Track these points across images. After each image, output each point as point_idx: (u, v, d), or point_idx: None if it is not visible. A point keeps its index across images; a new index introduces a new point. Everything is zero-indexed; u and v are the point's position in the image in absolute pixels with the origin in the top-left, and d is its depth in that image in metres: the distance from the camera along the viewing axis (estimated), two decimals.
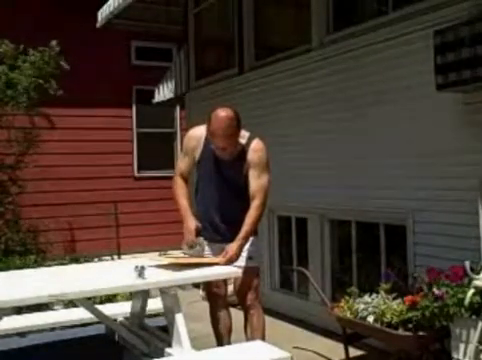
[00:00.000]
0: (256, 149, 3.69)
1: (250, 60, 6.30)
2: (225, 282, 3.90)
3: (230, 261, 3.53)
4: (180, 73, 7.68)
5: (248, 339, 3.67)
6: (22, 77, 7.00)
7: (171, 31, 8.34)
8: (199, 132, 3.80)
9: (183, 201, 3.77)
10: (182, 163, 3.87)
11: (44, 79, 7.12)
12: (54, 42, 7.15)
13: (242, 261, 3.65)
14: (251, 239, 3.71)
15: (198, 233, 3.68)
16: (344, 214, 5.07)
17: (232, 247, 3.56)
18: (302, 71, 5.39)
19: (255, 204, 3.64)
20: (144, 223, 9.28)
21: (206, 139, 3.73)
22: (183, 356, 3.08)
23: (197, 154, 3.78)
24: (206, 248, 3.78)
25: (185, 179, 3.85)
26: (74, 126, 8.94)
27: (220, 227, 3.74)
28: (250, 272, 3.65)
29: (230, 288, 4.00)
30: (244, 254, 3.68)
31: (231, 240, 3.62)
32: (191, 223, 3.68)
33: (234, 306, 4.02)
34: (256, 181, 3.66)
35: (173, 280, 3.25)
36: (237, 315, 3.90)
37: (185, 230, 3.70)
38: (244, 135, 3.73)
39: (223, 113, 3.60)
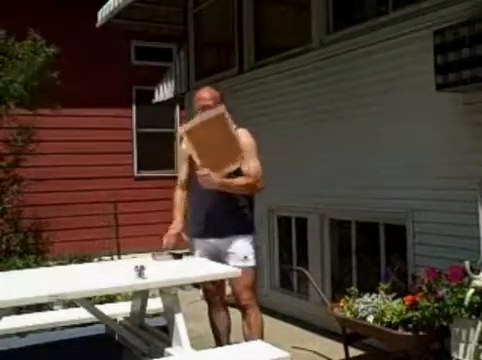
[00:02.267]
0: (246, 134, 3.82)
1: (250, 60, 6.30)
2: (223, 282, 3.91)
3: (203, 177, 3.58)
4: (180, 73, 7.68)
5: (246, 339, 3.68)
6: (18, 74, 6.97)
7: (171, 31, 8.33)
8: None
9: (176, 214, 3.93)
10: (181, 172, 4.02)
11: (38, 72, 7.07)
12: (32, 31, 7.08)
13: (237, 261, 3.67)
14: (246, 239, 3.75)
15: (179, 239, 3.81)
16: (344, 214, 5.07)
17: (214, 175, 3.59)
18: (302, 71, 5.39)
19: (249, 178, 3.70)
20: (144, 223, 9.27)
21: None
22: (183, 356, 3.08)
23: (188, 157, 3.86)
24: (198, 245, 3.84)
25: (186, 188, 3.97)
26: (74, 126, 8.94)
27: (210, 222, 3.76)
28: (245, 272, 3.66)
29: (230, 288, 4.00)
30: (239, 254, 3.71)
31: (220, 235, 3.71)
32: (173, 230, 3.84)
33: (233, 306, 4.02)
34: (248, 163, 3.73)
35: (173, 280, 3.25)
36: (238, 315, 3.90)
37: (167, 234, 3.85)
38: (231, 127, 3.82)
39: (204, 88, 3.95)
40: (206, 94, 3.84)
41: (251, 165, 3.73)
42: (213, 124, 3.65)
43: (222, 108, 3.69)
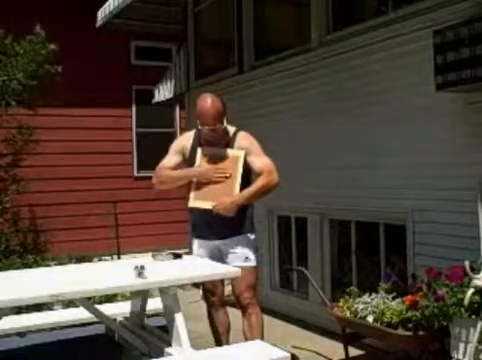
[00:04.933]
0: (246, 137, 3.81)
1: (250, 60, 6.30)
2: (222, 282, 3.91)
3: (219, 206, 3.60)
4: (180, 73, 7.68)
5: (247, 339, 3.68)
6: (17, 72, 6.97)
7: (171, 31, 8.33)
8: (188, 134, 3.97)
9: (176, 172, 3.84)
10: (168, 162, 3.85)
11: (38, 67, 7.07)
12: (38, 27, 7.09)
13: (239, 261, 3.67)
14: (247, 239, 3.75)
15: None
16: (344, 214, 5.06)
17: (228, 199, 3.61)
18: (302, 71, 5.39)
19: (262, 176, 3.68)
20: (144, 223, 9.28)
21: (194, 138, 3.85)
22: (183, 356, 3.08)
23: (187, 152, 3.84)
24: (199, 246, 3.84)
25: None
26: (74, 126, 8.94)
27: (213, 224, 3.74)
28: (247, 272, 3.66)
29: (229, 288, 4.00)
30: (241, 254, 3.71)
31: (225, 237, 3.70)
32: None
33: (233, 306, 4.02)
34: (258, 161, 3.72)
35: (173, 280, 3.25)
36: (237, 315, 3.90)
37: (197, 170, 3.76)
38: (230, 130, 3.81)
39: (208, 95, 3.75)
40: (214, 107, 3.66)
41: (259, 164, 3.72)
42: (227, 163, 3.71)
43: (242, 153, 3.70)
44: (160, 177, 3.86)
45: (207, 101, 3.69)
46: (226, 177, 3.69)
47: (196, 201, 3.74)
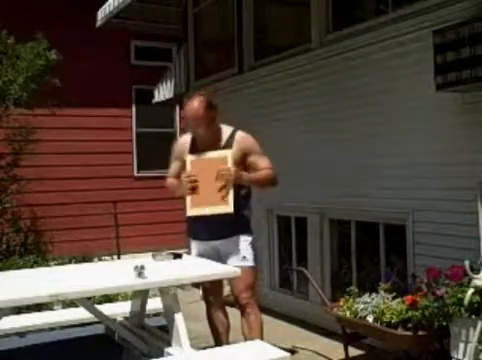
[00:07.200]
0: (244, 136, 3.80)
1: (250, 60, 6.30)
2: (221, 282, 3.91)
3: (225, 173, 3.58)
4: (179, 73, 7.68)
5: (246, 338, 3.68)
6: (17, 74, 6.98)
7: (171, 31, 8.34)
8: (185, 137, 3.96)
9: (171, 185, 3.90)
10: (172, 168, 3.95)
11: (38, 73, 7.08)
12: (40, 35, 7.11)
13: (237, 261, 3.68)
14: (245, 239, 3.75)
15: None
16: (344, 214, 5.06)
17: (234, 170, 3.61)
18: (301, 71, 5.39)
19: (267, 169, 3.75)
20: (144, 223, 9.28)
21: (191, 141, 3.84)
22: (182, 356, 3.08)
23: (184, 156, 3.83)
24: (197, 247, 3.85)
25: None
26: (74, 126, 8.94)
27: (210, 224, 3.73)
28: (245, 272, 3.65)
29: (228, 288, 4.00)
30: (238, 254, 3.72)
31: (223, 237, 3.70)
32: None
33: (232, 306, 4.02)
34: (262, 162, 3.76)
35: (172, 280, 3.25)
36: (236, 315, 3.90)
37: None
38: (227, 130, 3.80)
39: (195, 98, 3.73)
40: (196, 111, 3.67)
41: (263, 164, 3.75)
42: (216, 163, 3.66)
43: (229, 152, 3.68)
44: (167, 186, 3.94)
45: (190, 105, 3.71)
46: (195, 183, 3.64)
47: (193, 209, 3.72)
